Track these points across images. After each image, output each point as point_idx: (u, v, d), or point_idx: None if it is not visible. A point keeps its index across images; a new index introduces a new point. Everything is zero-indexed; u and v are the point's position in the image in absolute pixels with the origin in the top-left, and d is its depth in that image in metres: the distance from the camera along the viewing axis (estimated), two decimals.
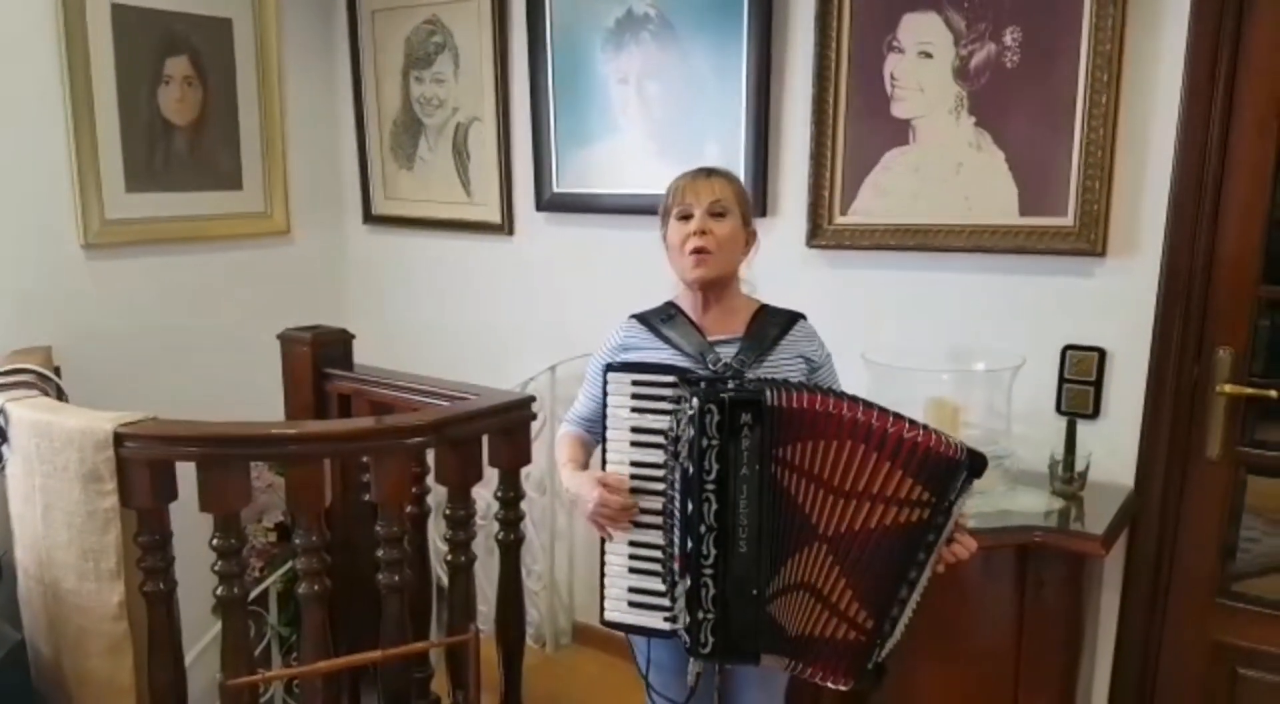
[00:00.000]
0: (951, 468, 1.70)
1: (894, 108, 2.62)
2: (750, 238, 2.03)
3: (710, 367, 1.91)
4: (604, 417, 1.88)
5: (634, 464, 1.85)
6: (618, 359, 1.98)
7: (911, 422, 1.73)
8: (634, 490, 1.85)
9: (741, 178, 2.83)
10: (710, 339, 1.98)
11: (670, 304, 2.06)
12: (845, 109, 2.69)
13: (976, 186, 2.53)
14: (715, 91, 2.92)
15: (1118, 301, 2.40)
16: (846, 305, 2.79)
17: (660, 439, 1.82)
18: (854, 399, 1.76)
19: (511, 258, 3.55)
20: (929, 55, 2.54)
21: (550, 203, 3.37)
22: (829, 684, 1.83)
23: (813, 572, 1.77)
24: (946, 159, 2.56)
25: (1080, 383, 2.47)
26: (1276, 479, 2.41)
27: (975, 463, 1.71)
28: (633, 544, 1.87)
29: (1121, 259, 2.38)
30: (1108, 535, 2.13)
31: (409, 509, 2.60)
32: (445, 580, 2.79)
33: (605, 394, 1.86)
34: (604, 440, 1.89)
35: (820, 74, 2.69)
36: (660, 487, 1.84)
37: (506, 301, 3.57)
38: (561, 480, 2.04)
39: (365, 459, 2.68)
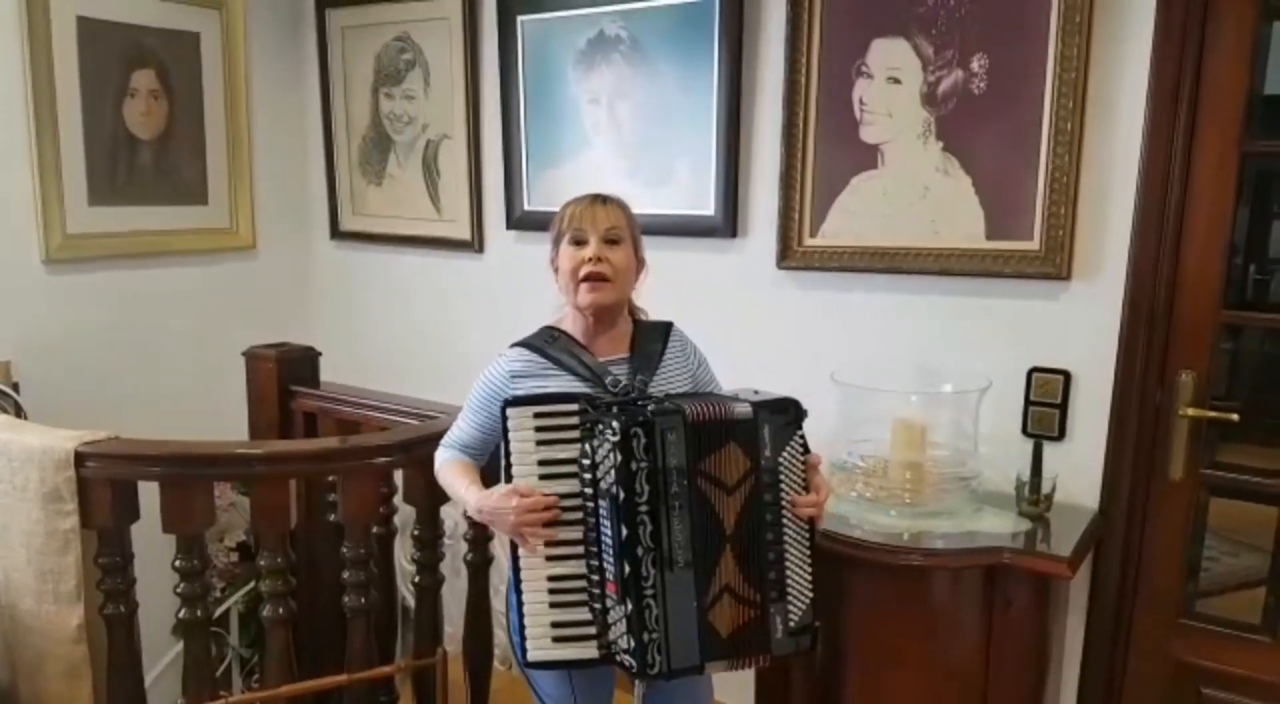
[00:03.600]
0: (749, 426, 1.84)
1: (863, 132, 2.64)
2: (640, 265, 2.04)
3: (610, 389, 1.90)
4: (506, 454, 1.85)
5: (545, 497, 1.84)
6: (511, 390, 1.93)
7: (722, 398, 1.87)
8: (550, 523, 1.83)
9: (712, 199, 2.90)
10: (601, 360, 1.97)
11: (552, 328, 2.04)
12: (815, 132, 2.71)
13: (944, 210, 2.56)
14: (686, 113, 2.93)
15: (1083, 325, 2.43)
16: (815, 326, 2.81)
17: (570, 468, 1.83)
18: (720, 396, 1.88)
19: (481, 275, 3.53)
20: (897, 81, 2.57)
21: (520, 221, 3.37)
22: (756, 666, 1.96)
23: (729, 572, 1.84)
24: (914, 183, 2.59)
25: (1046, 405, 2.49)
26: (1237, 500, 2.45)
27: (782, 410, 1.87)
28: (551, 578, 1.84)
29: (1086, 283, 2.42)
30: (1074, 557, 2.15)
31: (375, 530, 2.58)
32: (410, 601, 2.76)
33: (506, 430, 1.83)
34: (509, 478, 1.84)
35: (790, 97, 2.71)
36: (576, 516, 1.84)
37: (476, 319, 3.56)
38: (467, 503, 1.96)
39: (331, 479, 2.65)
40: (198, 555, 2.25)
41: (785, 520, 1.89)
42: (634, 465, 1.75)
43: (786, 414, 1.88)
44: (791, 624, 1.90)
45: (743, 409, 1.84)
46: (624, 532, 1.76)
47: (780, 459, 1.87)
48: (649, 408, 1.79)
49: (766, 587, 1.87)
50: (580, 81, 3.14)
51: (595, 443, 1.78)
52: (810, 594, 1.92)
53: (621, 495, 1.75)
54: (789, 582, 1.89)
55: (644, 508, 1.76)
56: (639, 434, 1.75)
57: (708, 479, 1.81)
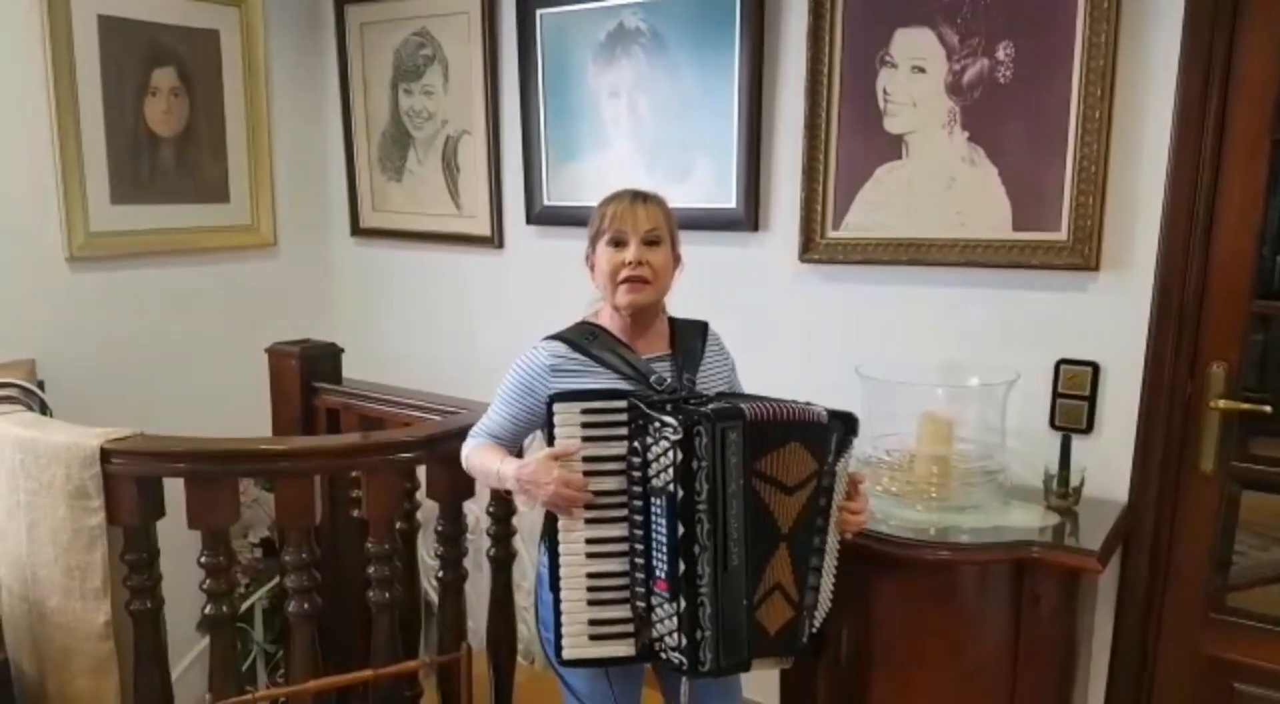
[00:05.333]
0: (822, 429, 1.85)
1: (887, 122, 2.62)
2: (677, 262, 2.03)
3: (655, 387, 1.89)
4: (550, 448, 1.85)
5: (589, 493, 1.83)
6: (549, 384, 1.92)
7: (791, 402, 1.86)
8: (592, 521, 1.83)
9: (733, 191, 2.88)
10: (643, 358, 1.96)
11: (590, 324, 2.02)
12: (838, 123, 2.69)
13: (969, 201, 2.53)
14: (707, 105, 2.91)
15: (1111, 317, 2.40)
16: (839, 319, 2.79)
17: (616, 465, 1.82)
18: (790, 401, 1.86)
19: (501, 271, 3.53)
20: (922, 70, 2.54)
21: (540, 216, 3.36)
22: (783, 666, 1.99)
23: (781, 571, 1.84)
24: (939, 174, 2.56)
25: (1074, 398, 2.47)
26: (1268, 493, 2.42)
27: (843, 421, 1.90)
28: (591, 576, 1.84)
29: (1115, 274, 2.39)
30: (1104, 551, 2.12)
31: (399, 525, 2.58)
32: (433, 596, 2.76)
33: (552, 425, 1.82)
34: None
35: (812, 88, 2.69)
36: (620, 513, 1.83)
37: (496, 315, 3.55)
38: (504, 475, 1.93)
39: (355, 474, 2.65)
40: (223, 551, 2.26)
41: (830, 527, 1.91)
42: (695, 464, 1.74)
43: (849, 425, 1.90)
44: (813, 629, 1.93)
45: (818, 411, 1.85)
46: (680, 530, 1.75)
47: (837, 467, 1.89)
48: (707, 407, 1.78)
49: (806, 588, 1.89)
50: (600, 75, 3.12)
51: (649, 440, 1.77)
52: (830, 603, 1.95)
53: (680, 494, 1.74)
54: (820, 587, 1.91)
55: (702, 506, 1.75)
56: (701, 433, 1.73)
57: (763, 479, 1.80)
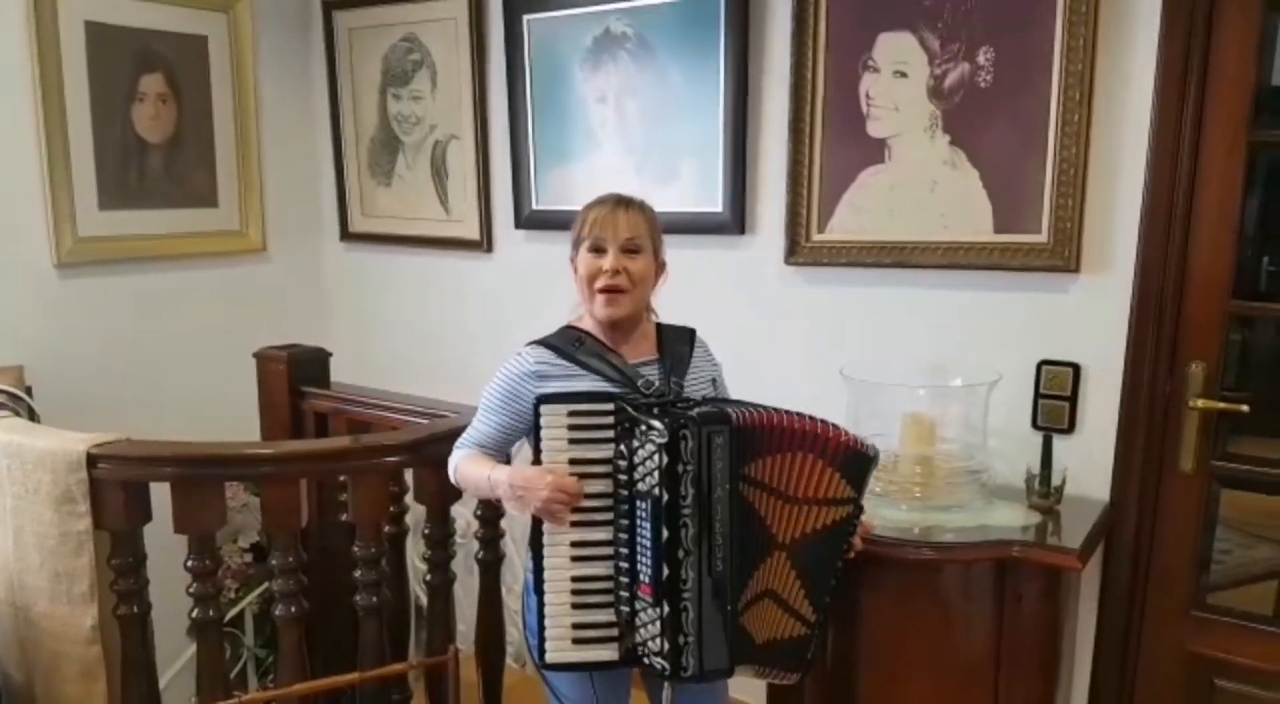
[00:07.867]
0: (866, 462, 1.89)
1: (870, 127, 2.64)
2: (660, 268, 2.02)
3: (643, 391, 1.89)
4: (536, 451, 1.84)
5: None
6: (534, 390, 1.90)
7: (834, 425, 1.87)
8: (578, 524, 1.83)
9: (719, 196, 2.90)
10: (630, 362, 1.97)
11: (575, 329, 2.02)
12: (822, 127, 2.70)
13: (952, 204, 2.55)
14: (693, 109, 2.93)
15: (1092, 317, 2.42)
16: (824, 322, 2.81)
17: (602, 468, 1.82)
18: (788, 411, 1.85)
19: (490, 275, 3.54)
20: (904, 75, 2.56)
21: (529, 220, 3.37)
22: (783, 681, 1.97)
23: (774, 578, 1.85)
24: (922, 177, 2.58)
25: (1055, 398, 2.49)
26: (1248, 492, 2.44)
27: (876, 454, 1.94)
28: (575, 580, 1.84)
29: (1095, 275, 2.41)
30: (1084, 549, 2.14)
31: (387, 529, 2.58)
32: (424, 599, 2.77)
33: (538, 427, 1.81)
34: None
35: (797, 93, 2.71)
36: (606, 517, 1.83)
37: (485, 319, 3.56)
38: (497, 481, 1.89)
39: (342, 478, 2.66)
40: (209, 555, 2.26)
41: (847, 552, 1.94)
42: (680, 468, 1.74)
43: (876, 462, 1.94)
44: (816, 648, 1.94)
45: (856, 440, 1.88)
46: (665, 534, 1.75)
47: (863, 495, 1.91)
48: (694, 410, 1.78)
49: (820, 609, 1.90)
50: (587, 80, 3.14)
51: (635, 443, 1.77)
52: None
53: (665, 497, 1.74)
54: (827, 608, 1.93)
55: (688, 510, 1.75)
56: (687, 436, 1.73)
57: (755, 484, 1.81)
